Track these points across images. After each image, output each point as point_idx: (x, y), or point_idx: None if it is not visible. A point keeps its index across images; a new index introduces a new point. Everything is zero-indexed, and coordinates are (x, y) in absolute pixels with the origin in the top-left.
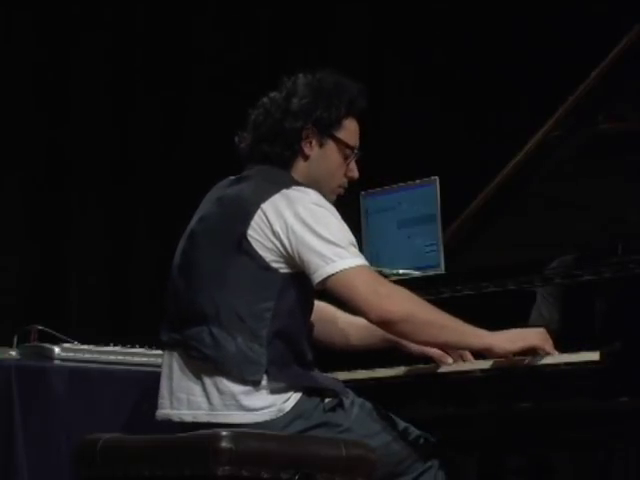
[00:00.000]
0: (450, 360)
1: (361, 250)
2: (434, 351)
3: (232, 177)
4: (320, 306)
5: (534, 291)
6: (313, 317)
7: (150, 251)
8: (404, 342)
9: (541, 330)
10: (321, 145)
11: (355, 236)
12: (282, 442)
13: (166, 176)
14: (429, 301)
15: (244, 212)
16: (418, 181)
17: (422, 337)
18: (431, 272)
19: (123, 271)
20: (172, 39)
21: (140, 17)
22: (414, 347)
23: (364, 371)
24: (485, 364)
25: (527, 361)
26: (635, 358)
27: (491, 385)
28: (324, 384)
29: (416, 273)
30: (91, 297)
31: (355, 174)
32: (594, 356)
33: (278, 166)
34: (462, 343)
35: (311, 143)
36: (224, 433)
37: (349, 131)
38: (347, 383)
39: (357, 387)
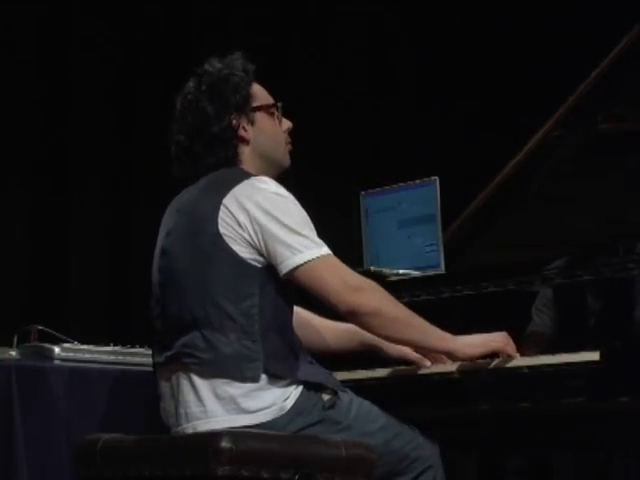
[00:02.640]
0: (428, 363)
1: (361, 250)
2: (414, 355)
3: (185, 189)
4: (296, 311)
5: (534, 291)
6: None
7: (150, 251)
8: (383, 346)
9: (503, 334)
10: (252, 122)
11: (355, 236)
12: (282, 442)
13: (167, 176)
14: (429, 301)
15: (208, 212)
16: (418, 181)
17: (387, 332)
18: (431, 272)
19: (123, 271)
20: (172, 36)
21: (140, 18)
22: (394, 351)
23: (364, 371)
24: (485, 364)
25: (527, 362)
26: (635, 358)
27: (491, 385)
28: (321, 379)
29: (416, 273)
30: (91, 297)
31: (289, 123)
32: (594, 356)
33: (228, 166)
34: (425, 343)
35: (245, 127)
36: (224, 433)
37: (261, 95)
38: (347, 383)
39: (357, 387)
